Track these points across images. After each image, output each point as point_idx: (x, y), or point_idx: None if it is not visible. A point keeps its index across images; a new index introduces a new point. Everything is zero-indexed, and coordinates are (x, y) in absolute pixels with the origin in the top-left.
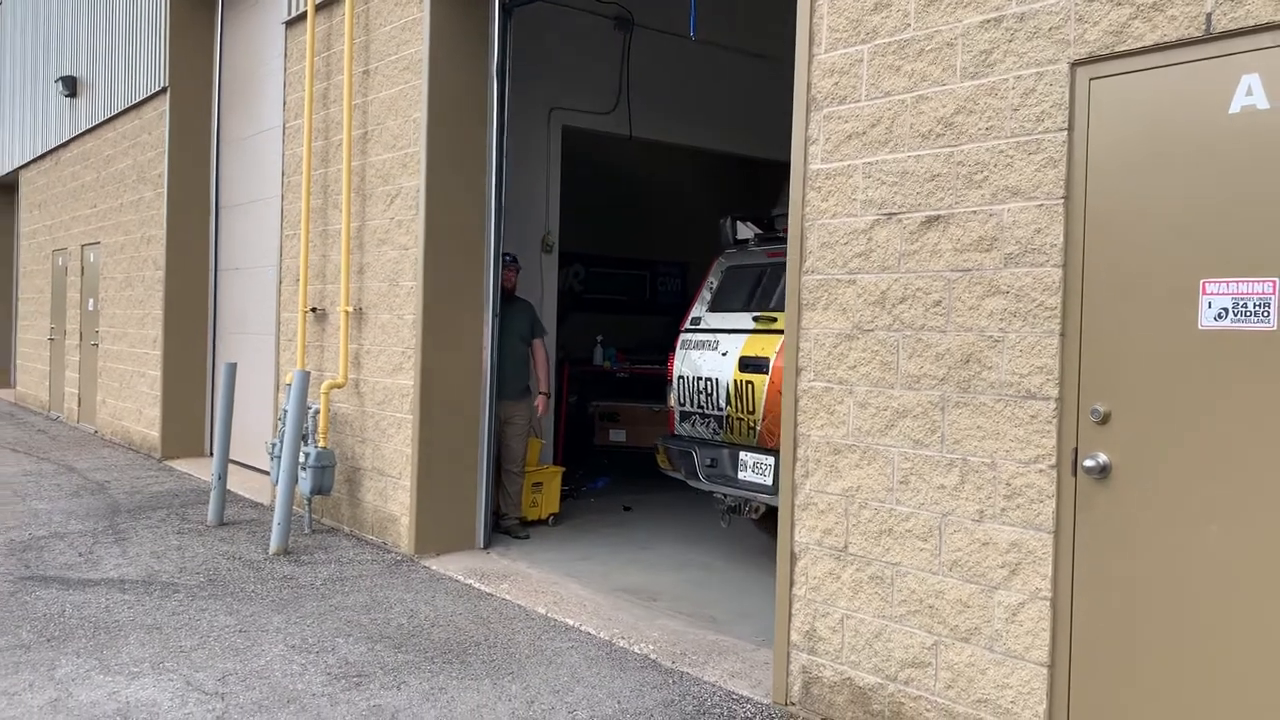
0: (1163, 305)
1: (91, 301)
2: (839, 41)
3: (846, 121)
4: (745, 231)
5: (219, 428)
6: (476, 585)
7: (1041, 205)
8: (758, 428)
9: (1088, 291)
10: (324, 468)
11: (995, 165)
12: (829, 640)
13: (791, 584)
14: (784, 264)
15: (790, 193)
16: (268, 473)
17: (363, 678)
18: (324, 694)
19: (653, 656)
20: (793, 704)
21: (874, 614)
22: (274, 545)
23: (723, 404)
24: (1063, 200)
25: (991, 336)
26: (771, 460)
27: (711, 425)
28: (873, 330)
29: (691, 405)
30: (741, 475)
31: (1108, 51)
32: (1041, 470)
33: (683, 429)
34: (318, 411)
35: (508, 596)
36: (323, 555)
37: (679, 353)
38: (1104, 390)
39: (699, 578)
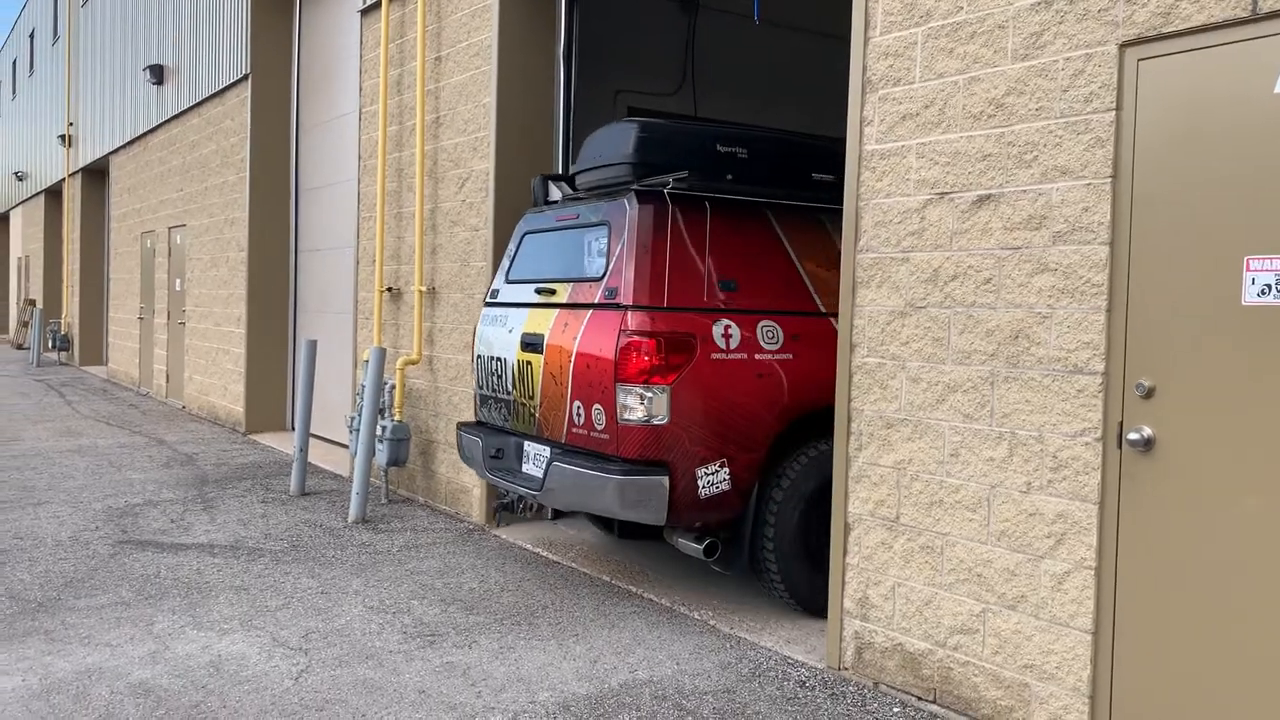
0: (1207, 282)
1: (179, 282)
2: (894, 25)
3: (901, 103)
4: (556, 193)
5: (300, 403)
6: (545, 554)
7: (1089, 184)
8: (536, 414)
9: (1134, 269)
10: (400, 440)
11: (1045, 145)
12: (881, 607)
13: (845, 553)
14: (573, 229)
15: (845, 173)
16: (346, 445)
17: (436, 637)
18: (400, 651)
19: (712, 622)
20: (845, 669)
21: (924, 582)
22: (352, 514)
23: (510, 387)
24: (1110, 179)
25: (1040, 313)
26: (546, 451)
27: (503, 411)
28: (925, 307)
29: (486, 388)
30: (525, 468)
31: (1155, 33)
32: (1087, 443)
33: (481, 414)
34: (394, 387)
35: (574, 565)
36: (399, 524)
37: (478, 329)
38: (1149, 365)
39: None
